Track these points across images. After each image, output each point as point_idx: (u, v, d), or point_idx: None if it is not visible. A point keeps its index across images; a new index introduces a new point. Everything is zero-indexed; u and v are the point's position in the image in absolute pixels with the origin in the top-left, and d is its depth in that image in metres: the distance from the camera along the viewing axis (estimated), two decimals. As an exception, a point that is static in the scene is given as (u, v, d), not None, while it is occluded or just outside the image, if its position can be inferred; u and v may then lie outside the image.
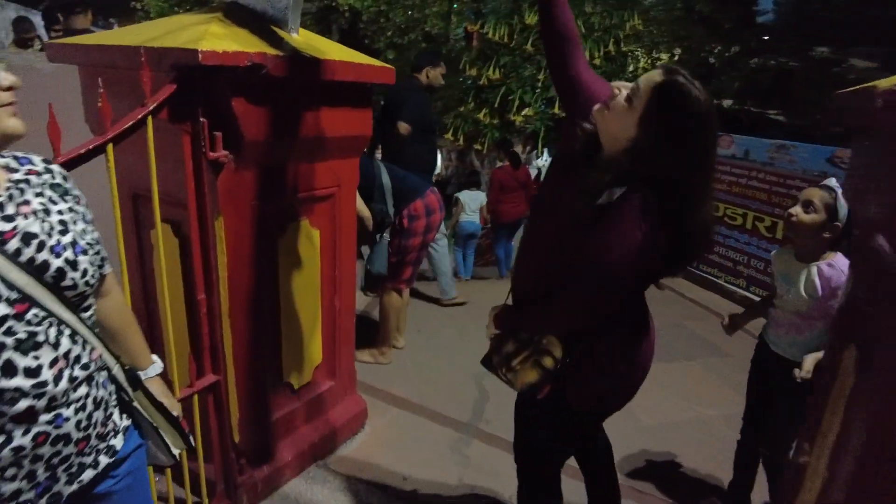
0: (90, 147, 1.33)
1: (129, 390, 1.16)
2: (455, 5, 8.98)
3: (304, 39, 1.88)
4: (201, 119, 1.59)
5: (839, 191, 1.83)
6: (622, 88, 1.25)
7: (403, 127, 3.75)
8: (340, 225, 2.23)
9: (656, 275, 1.48)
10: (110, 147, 1.37)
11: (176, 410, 1.30)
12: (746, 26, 10.73)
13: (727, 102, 11.64)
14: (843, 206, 1.80)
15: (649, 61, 8.07)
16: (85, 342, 1.01)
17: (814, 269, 1.87)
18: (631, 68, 7.32)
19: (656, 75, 1.22)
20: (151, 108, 1.46)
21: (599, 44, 6.86)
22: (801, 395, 1.77)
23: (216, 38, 1.55)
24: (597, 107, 1.28)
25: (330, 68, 1.84)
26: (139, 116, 1.44)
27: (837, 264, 1.84)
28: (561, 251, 1.32)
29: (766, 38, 10.50)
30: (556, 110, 6.43)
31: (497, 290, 4.79)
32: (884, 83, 1.25)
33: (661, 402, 3.06)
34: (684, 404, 3.17)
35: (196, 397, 1.80)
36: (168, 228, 1.82)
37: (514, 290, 1.54)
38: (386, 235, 2.94)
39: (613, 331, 1.39)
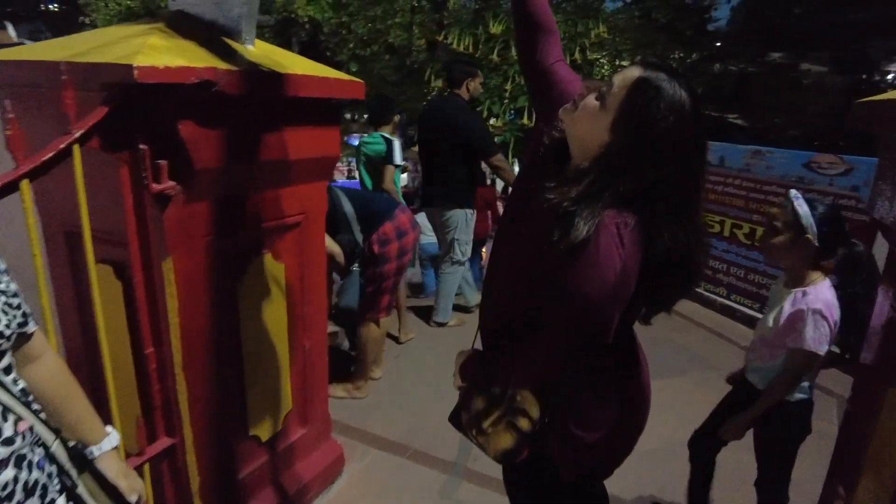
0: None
1: (73, 472, 0.94)
2: (417, 16, 8.87)
3: (261, 52, 1.66)
4: (141, 146, 1.36)
5: (796, 200, 1.66)
6: (593, 87, 1.05)
7: (500, 160, 3.68)
8: (308, 257, 2.00)
9: (639, 306, 1.20)
10: (25, 184, 1.13)
11: (135, 494, 1.08)
12: (702, 34, 10.93)
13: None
14: (805, 215, 1.62)
15: (612, 69, 8.09)
16: (6, 411, 0.81)
17: (789, 297, 1.71)
18: (597, 76, 7.27)
19: (634, 70, 1.02)
20: (77, 135, 1.23)
21: (566, 52, 6.79)
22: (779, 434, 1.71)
23: (156, 51, 1.33)
24: (564, 107, 1.08)
25: (292, 83, 1.63)
26: (62, 146, 1.20)
27: (812, 294, 1.65)
28: (530, 281, 1.12)
29: (722, 44, 10.70)
30: (526, 121, 6.31)
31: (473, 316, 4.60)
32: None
33: (658, 424, 2.90)
34: (681, 425, 3.02)
35: (147, 466, 1.55)
36: (109, 271, 1.58)
37: (482, 330, 1.33)
38: (355, 267, 2.71)
39: (598, 376, 1.17)
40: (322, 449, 2.26)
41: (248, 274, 1.77)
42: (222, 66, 1.42)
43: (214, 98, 1.42)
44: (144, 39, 1.38)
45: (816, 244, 1.62)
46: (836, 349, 1.75)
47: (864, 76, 13.03)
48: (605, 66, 7.98)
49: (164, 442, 1.59)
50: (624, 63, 8.60)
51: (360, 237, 2.69)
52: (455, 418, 1.31)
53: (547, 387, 1.12)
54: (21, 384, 0.92)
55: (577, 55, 6.91)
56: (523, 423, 1.11)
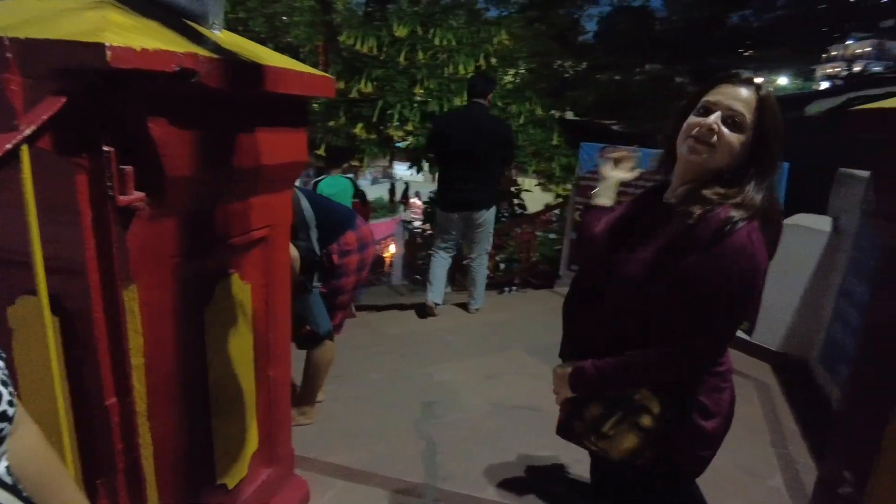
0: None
1: None
2: (307, 16, 8.49)
3: (229, 39, 1.42)
4: (105, 149, 1.09)
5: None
6: (707, 125, 1.14)
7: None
8: (274, 275, 1.77)
9: None
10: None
11: None
12: (587, 46, 11.65)
13: (569, 115, 12.53)
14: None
15: (513, 76, 8.31)
16: None
17: None
18: (501, 82, 7.41)
19: (743, 90, 1.14)
20: (28, 133, 0.95)
21: (471, 58, 6.85)
22: None
23: (124, 30, 1.07)
24: (695, 149, 1.16)
25: (273, 77, 1.41)
26: (8, 146, 0.92)
27: None
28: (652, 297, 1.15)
29: (606, 55, 11.46)
30: (437, 124, 6.27)
31: (397, 319, 4.46)
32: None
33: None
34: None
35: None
36: (33, 303, 1.26)
37: (576, 348, 1.31)
38: (317, 282, 2.44)
39: (715, 367, 1.22)
40: (288, 488, 2.01)
41: (215, 299, 1.51)
42: (203, 52, 1.19)
43: (192, 91, 1.18)
44: (101, 14, 1.10)
45: None
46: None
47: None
48: (503, 75, 8.15)
49: (129, 511, 1.30)
50: (521, 71, 8.87)
51: (317, 246, 2.43)
52: (564, 430, 1.32)
53: (667, 384, 1.17)
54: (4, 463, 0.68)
55: (481, 61, 6.99)
56: (646, 421, 1.16)
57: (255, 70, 1.35)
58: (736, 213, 1.07)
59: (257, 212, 1.60)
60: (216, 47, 1.29)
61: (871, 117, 1.32)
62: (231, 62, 1.27)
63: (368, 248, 2.59)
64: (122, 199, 1.12)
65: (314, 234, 2.38)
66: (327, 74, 1.73)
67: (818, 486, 1.67)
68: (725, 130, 1.13)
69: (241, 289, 1.62)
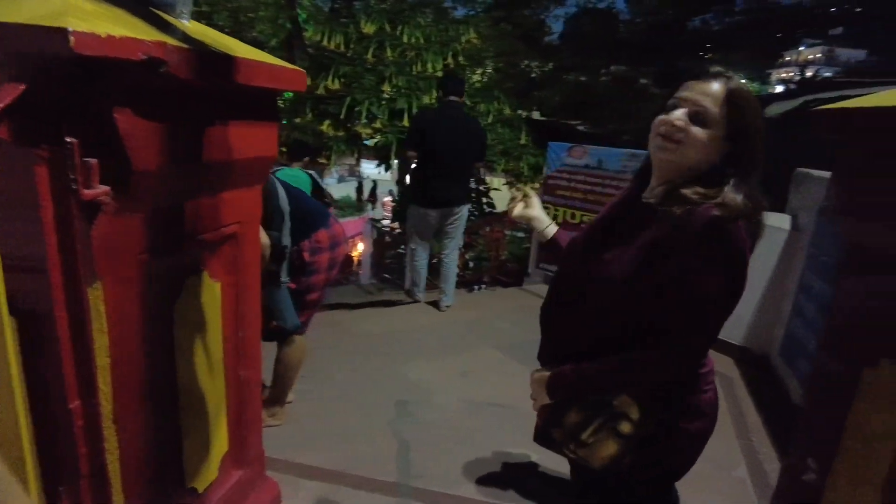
0: None
1: None
2: (271, 11, 8.33)
3: (198, 30, 1.38)
4: (68, 140, 1.04)
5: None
6: (671, 122, 1.13)
7: None
8: (244, 272, 1.72)
9: None
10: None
11: None
12: (553, 46, 11.79)
13: (536, 115, 12.65)
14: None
15: (480, 74, 8.34)
16: None
17: None
18: (470, 81, 7.43)
19: (712, 84, 1.13)
20: (-16, 122, 0.90)
21: (439, 56, 6.85)
22: None
23: (88, 15, 1.02)
24: (663, 146, 1.15)
25: (244, 69, 1.37)
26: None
27: None
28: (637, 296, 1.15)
29: (571, 56, 11.61)
30: (406, 122, 6.24)
31: (367, 318, 4.42)
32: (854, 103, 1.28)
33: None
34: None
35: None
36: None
37: (553, 354, 1.30)
38: (285, 277, 2.39)
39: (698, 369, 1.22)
40: (259, 491, 1.97)
41: (183, 296, 1.46)
42: (171, 41, 1.15)
43: (160, 81, 1.14)
44: (61, -2, 1.05)
45: None
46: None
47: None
48: (471, 74, 8.18)
49: (95, 519, 1.25)
50: (488, 70, 8.91)
51: (288, 239, 2.36)
52: (542, 438, 1.30)
53: (649, 388, 1.16)
54: None
55: (449, 60, 7.00)
56: (626, 428, 1.14)
57: (226, 61, 1.31)
58: (720, 212, 1.05)
59: (227, 208, 1.56)
60: (185, 37, 1.25)
61: (834, 117, 1.36)
62: (201, 53, 1.23)
63: (340, 247, 2.56)
64: (87, 192, 1.07)
65: (287, 227, 2.33)
66: (300, 69, 1.70)
67: (783, 473, 1.72)
68: (693, 127, 1.12)
69: (211, 287, 1.57)
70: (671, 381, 1.17)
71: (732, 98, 1.11)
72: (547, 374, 1.26)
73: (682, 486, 2.34)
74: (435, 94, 6.58)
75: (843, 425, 1.39)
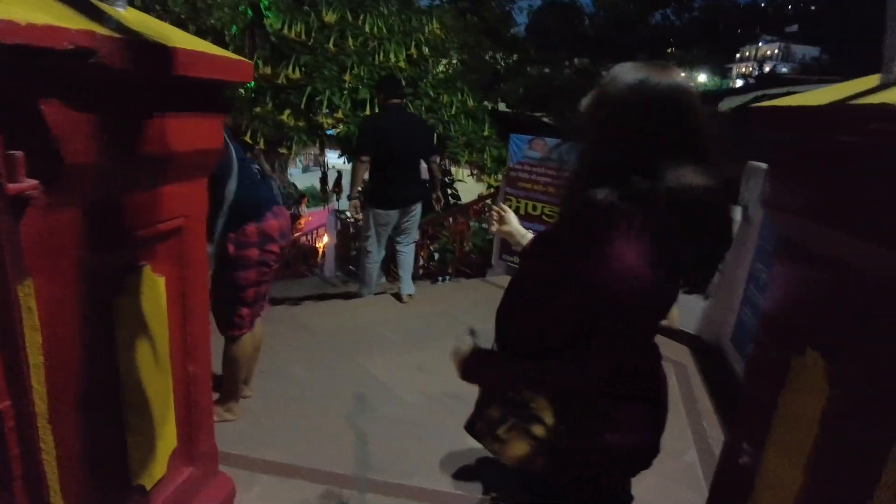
0: None
1: None
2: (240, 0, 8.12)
3: (135, 18, 1.34)
4: (-9, 132, 1.00)
5: None
6: None
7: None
8: (189, 267, 1.69)
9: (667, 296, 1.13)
10: None
11: None
12: (517, 39, 11.84)
13: (502, 106, 12.70)
14: None
15: (444, 66, 8.31)
16: None
17: None
18: (433, 72, 7.41)
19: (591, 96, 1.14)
20: None
21: (402, 46, 6.81)
22: None
23: (7, 3, 0.98)
24: None
25: (182, 60, 1.34)
26: None
27: None
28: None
29: (535, 49, 11.67)
30: (368, 112, 6.20)
31: (327, 312, 4.40)
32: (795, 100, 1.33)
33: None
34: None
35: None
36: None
37: (498, 338, 1.29)
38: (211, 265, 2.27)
39: (630, 380, 1.16)
40: (211, 487, 1.95)
41: (124, 293, 1.43)
42: (101, 30, 1.11)
43: (90, 72, 1.11)
44: (-17, -14, 1.01)
45: None
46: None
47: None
48: (433, 65, 8.14)
49: (29, 520, 1.22)
50: (453, 61, 8.89)
51: (219, 225, 2.25)
52: (471, 427, 1.32)
53: (562, 395, 1.12)
54: None
55: (412, 50, 6.97)
56: (538, 430, 1.12)
57: (163, 52, 1.28)
58: (610, 200, 1.00)
59: (169, 202, 1.53)
60: (119, 26, 1.22)
61: (766, 114, 1.41)
62: (136, 42, 1.20)
63: (274, 244, 2.41)
64: (11, 186, 1.04)
65: (223, 212, 2.24)
66: (245, 59, 1.67)
67: (723, 456, 1.79)
68: None
69: (154, 282, 1.54)
70: (586, 393, 1.14)
71: (600, 97, 1.11)
72: (464, 354, 1.27)
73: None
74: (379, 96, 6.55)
75: (774, 410, 1.45)
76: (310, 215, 11.83)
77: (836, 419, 1.20)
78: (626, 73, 1.07)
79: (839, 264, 1.17)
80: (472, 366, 1.26)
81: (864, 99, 1.05)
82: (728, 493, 1.65)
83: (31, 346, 1.17)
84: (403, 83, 4.54)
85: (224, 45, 8.69)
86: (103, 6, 1.26)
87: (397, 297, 4.60)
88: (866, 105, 1.00)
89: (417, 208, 4.46)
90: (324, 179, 9.21)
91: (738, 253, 3.84)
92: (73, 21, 1.08)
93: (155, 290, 1.55)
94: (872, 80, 1.15)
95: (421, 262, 7.30)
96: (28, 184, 1.07)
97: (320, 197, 9.87)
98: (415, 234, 4.65)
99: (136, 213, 1.41)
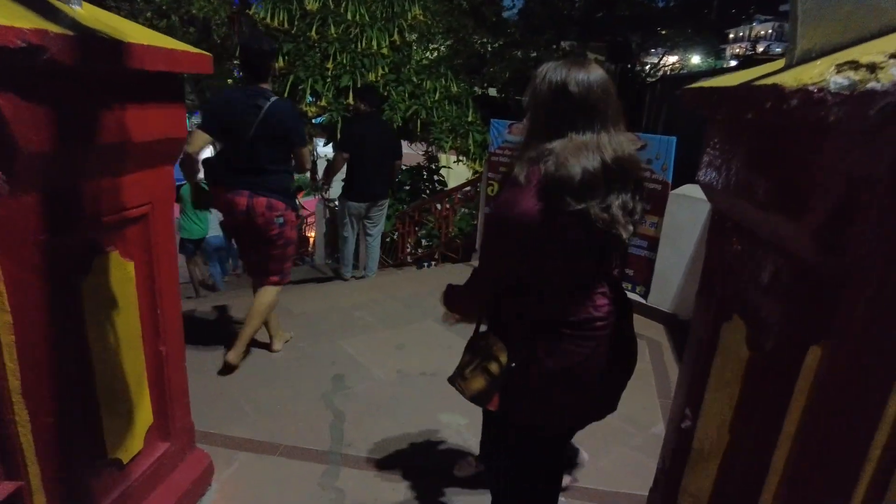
0: None
1: None
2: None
3: (90, 14, 1.41)
4: (-51, 126, 1.08)
5: None
6: None
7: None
8: (158, 251, 1.78)
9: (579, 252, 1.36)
10: None
11: None
12: (503, 22, 11.79)
13: (492, 91, 12.68)
14: None
15: (428, 51, 8.31)
16: None
17: None
18: (417, 58, 7.42)
19: None
20: None
21: (385, 33, 6.81)
22: None
23: (-39, 5, 1.06)
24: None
25: (135, 54, 1.41)
26: None
27: None
28: None
29: (520, 32, 11.63)
30: (351, 101, 6.22)
31: (307, 297, 4.49)
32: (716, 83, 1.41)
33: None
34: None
35: (-18, 520, 1.27)
36: None
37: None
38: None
39: (556, 331, 1.34)
40: (189, 462, 2.05)
41: (91, 275, 1.51)
42: (53, 28, 1.18)
43: (43, 67, 1.18)
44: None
45: None
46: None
47: (628, 65, 15.27)
48: (417, 51, 8.13)
49: (6, 487, 1.31)
50: (435, 46, 8.89)
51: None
52: (451, 379, 1.54)
53: (515, 338, 1.37)
54: None
55: (395, 36, 6.98)
56: (493, 367, 1.36)
57: (116, 47, 1.35)
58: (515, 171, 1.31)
59: (132, 188, 1.60)
60: (73, 23, 1.28)
61: (692, 95, 1.49)
62: (88, 39, 1.27)
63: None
64: (-26, 176, 1.11)
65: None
66: (205, 52, 1.73)
67: (669, 422, 1.89)
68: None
69: (122, 266, 1.63)
70: (519, 326, 1.39)
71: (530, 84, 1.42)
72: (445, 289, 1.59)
73: (602, 440, 2.54)
74: (380, 71, 6.59)
75: (708, 375, 1.55)
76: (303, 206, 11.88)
77: (754, 380, 1.29)
78: (550, 71, 1.34)
79: (752, 235, 1.26)
80: (448, 295, 1.58)
81: (767, 80, 1.13)
82: (673, 457, 1.75)
83: (2, 326, 1.25)
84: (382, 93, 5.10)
85: (209, 35, 8.69)
86: (58, 4, 1.32)
87: (363, 279, 5.17)
88: (762, 86, 1.08)
89: (384, 204, 5.06)
90: (312, 168, 9.23)
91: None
92: (27, 20, 1.15)
93: (123, 273, 1.63)
94: (781, 62, 1.23)
95: (409, 248, 7.39)
96: (-11, 173, 1.14)
97: (311, 186, 9.91)
98: (381, 226, 5.17)
99: (99, 200, 1.49)
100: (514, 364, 1.35)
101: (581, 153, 1.24)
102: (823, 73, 0.93)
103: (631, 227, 1.32)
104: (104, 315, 1.58)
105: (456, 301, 1.56)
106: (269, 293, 3.10)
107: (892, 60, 0.89)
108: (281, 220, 2.95)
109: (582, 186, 1.22)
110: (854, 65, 0.92)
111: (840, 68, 0.93)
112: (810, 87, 0.92)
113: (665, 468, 1.83)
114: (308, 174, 10.17)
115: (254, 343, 3.33)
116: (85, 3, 1.43)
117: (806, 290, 1.08)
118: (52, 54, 1.17)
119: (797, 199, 1.03)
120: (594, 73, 1.31)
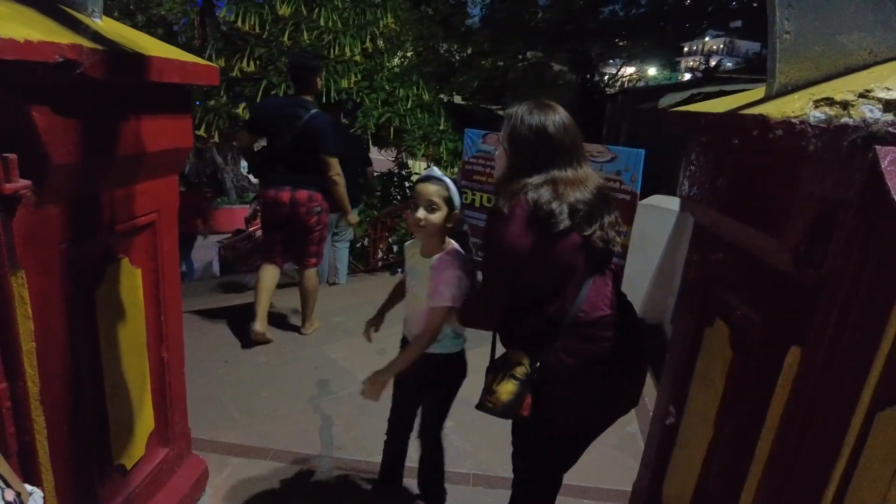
0: None
1: None
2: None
3: (110, 27, 1.44)
4: (-13, 138, 1.11)
5: (444, 178, 1.79)
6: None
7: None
8: (162, 259, 1.80)
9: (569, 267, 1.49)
10: None
11: None
12: (472, 31, 11.97)
13: (457, 99, 12.85)
14: (454, 192, 1.77)
15: (401, 58, 8.39)
16: None
17: (433, 264, 1.80)
18: (389, 65, 7.48)
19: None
20: None
21: (357, 39, 6.86)
22: (443, 384, 1.99)
23: (2, 18, 1.09)
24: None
25: (154, 67, 1.45)
26: None
27: (449, 254, 1.80)
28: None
29: (489, 42, 11.84)
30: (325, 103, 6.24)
31: (282, 300, 4.50)
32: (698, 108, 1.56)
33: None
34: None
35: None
36: None
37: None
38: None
39: (574, 333, 1.46)
40: (186, 467, 2.07)
41: (105, 283, 1.54)
42: (86, 43, 1.22)
43: (74, 81, 1.22)
44: (-25, 4, 1.11)
45: (462, 217, 1.83)
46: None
47: (588, 75, 15.70)
48: (389, 59, 8.18)
49: (25, 492, 1.32)
50: (408, 54, 8.98)
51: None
52: (480, 405, 1.57)
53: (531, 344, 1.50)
54: None
55: (367, 44, 7.03)
56: (519, 371, 1.47)
57: (139, 60, 1.39)
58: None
59: (143, 197, 1.64)
60: (97, 36, 1.32)
61: (676, 118, 1.63)
62: (114, 53, 1.31)
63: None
64: (7, 186, 1.14)
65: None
66: (212, 64, 1.78)
67: (653, 420, 2.02)
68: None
69: (131, 273, 1.65)
70: (536, 336, 1.50)
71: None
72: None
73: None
74: (353, 78, 6.63)
75: (691, 375, 1.68)
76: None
77: (737, 379, 1.42)
78: (526, 115, 1.50)
79: (735, 246, 1.40)
80: (463, 311, 1.71)
81: (751, 109, 1.27)
82: (658, 451, 1.88)
83: (24, 333, 1.27)
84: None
85: (174, 36, 8.54)
86: (82, 17, 1.36)
87: (334, 285, 5.24)
88: (749, 115, 1.21)
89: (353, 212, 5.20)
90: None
91: (676, 240, 4.14)
92: (61, 35, 1.19)
93: (132, 280, 1.66)
94: (761, 91, 1.37)
95: (380, 254, 7.42)
96: (21, 183, 1.17)
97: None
98: (349, 234, 5.35)
99: (115, 209, 1.52)
100: (538, 364, 1.46)
101: (576, 188, 1.47)
102: (804, 108, 1.07)
103: (619, 239, 1.56)
104: (114, 321, 1.60)
105: (472, 317, 1.68)
106: (312, 275, 3.66)
107: (861, 99, 1.04)
108: (318, 208, 3.51)
109: (586, 215, 1.45)
110: (829, 101, 1.06)
111: (817, 104, 1.07)
112: (793, 120, 1.06)
113: (649, 461, 1.96)
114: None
115: (247, 345, 3.53)
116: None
117: (785, 298, 1.22)
118: (85, 69, 1.21)
119: (778, 217, 1.16)
120: (564, 115, 1.52)
